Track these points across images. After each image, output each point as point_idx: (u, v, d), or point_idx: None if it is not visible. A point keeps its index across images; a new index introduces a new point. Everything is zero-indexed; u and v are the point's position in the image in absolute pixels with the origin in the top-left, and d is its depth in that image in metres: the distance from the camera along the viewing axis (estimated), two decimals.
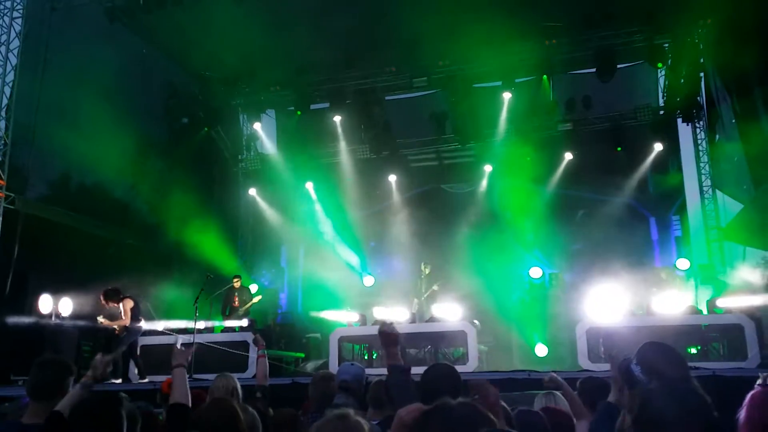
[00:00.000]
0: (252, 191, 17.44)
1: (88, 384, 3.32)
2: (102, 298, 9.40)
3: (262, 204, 17.23)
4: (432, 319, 10.41)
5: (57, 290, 10.74)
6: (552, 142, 15.39)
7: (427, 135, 16.75)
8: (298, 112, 16.69)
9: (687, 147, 15.79)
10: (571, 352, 9.72)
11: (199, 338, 9.73)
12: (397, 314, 10.70)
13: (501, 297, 12.92)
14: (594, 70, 14.39)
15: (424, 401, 2.43)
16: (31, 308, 10.59)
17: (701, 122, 15.40)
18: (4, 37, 11.87)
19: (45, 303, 10.60)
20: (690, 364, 7.30)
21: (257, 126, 17.32)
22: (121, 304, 9.41)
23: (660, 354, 2.99)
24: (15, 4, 12.06)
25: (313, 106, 16.62)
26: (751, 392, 3.13)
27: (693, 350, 9.17)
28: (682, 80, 14.57)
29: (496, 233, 14.20)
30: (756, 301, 8.97)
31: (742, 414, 2.95)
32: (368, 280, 15.18)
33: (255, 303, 12.63)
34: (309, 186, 16.78)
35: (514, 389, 6.79)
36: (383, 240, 16.02)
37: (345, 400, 3.92)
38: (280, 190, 16.93)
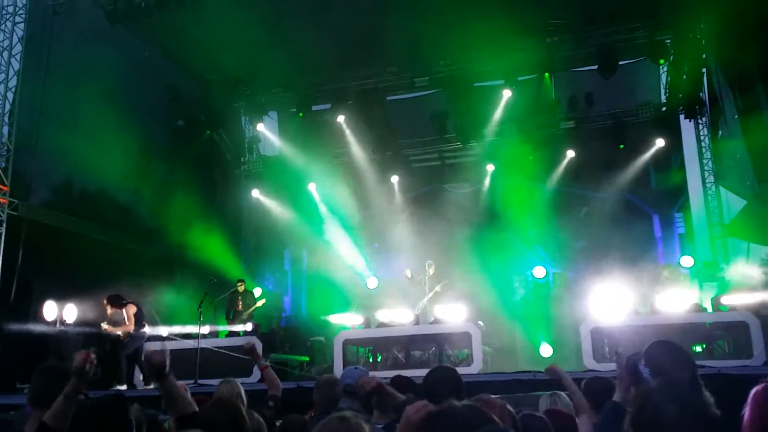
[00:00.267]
0: (254, 193, 17.44)
1: (71, 394, 3.03)
2: (105, 304, 9.41)
3: (265, 206, 17.22)
4: (436, 321, 10.39)
5: (61, 296, 10.75)
6: (554, 140, 15.37)
7: (428, 135, 16.75)
8: (300, 114, 16.68)
9: (690, 143, 15.77)
10: (576, 352, 9.70)
11: (204, 343, 9.73)
12: (399, 315, 10.68)
13: (505, 297, 12.90)
14: (596, 67, 14.37)
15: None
16: (36, 315, 10.60)
17: (704, 118, 15.35)
18: (6, 42, 11.89)
19: (49, 309, 10.61)
20: (695, 362, 7.30)
21: (259, 128, 17.33)
22: (124, 310, 9.42)
23: (668, 353, 2.99)
24: (17, 8, 12.08)
25: (314, 108, 16.64)
26: (754, 389, 3.12)
27: (698, 348, 9.14)
28: (684, 76, 14.52)
29: (499, 232, 14.19)
30: (761, 298, 8.93)
31: (746, 411, 2.95)
32: (372, 282, 15.17)
33: (259, 307, 12.63)
34: (311, 187, 16.78)
35: (519, 390, 6.78)
36: (386, 241, 16.01)
37: (350, 404, 3.92)
38: (283, 193, 16.93)
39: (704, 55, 14.01)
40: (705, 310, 9.62)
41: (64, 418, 2.95)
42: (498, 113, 15.31)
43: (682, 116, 15.50)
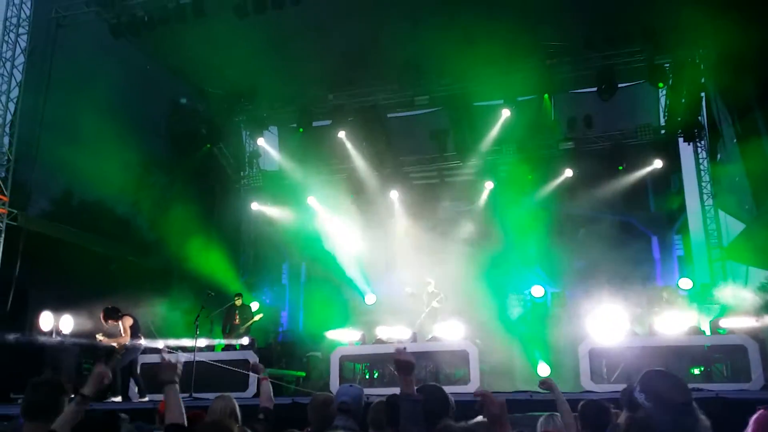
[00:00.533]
0: (254, 207, 17.45)
1: (84, 400, 3.18)
2: (102, 317, 9.38)
3: (264, 221, 17.23)
4: (433, 338, 10.35)
5: (58, 307, 10.71)
6: (553, 161, 15.44)
7: (428, 152, 16.83)
8: (300, 129, 16.74)
9: (688, 166, 15.82)
10: (573, 373, 9.65)
11: (200, 356, 9.68)
12: (397, 332, 10.64)
13: (503, 315, 12.86)
14: (595, 89, 14.47)
15: None
16: (32, 325, 10.56)
17: (702, 142, 15.42)
18: (9, 53, 11.95)
19: (46, 320, 10.57)
20: (693, 385, 7.27)
21: (260, 142, 17.39)
22: (120, 322, 9.38)
23: (664, 380, 2.99)
24: (21, 20, 12.17)
25: (315, 123, 16.70)
26: (755, 415, 3.11)
27: (696, 371, 9.09)
28: (683, 100, 14.62)
29: (498, 251, 14.18)
30: (759, 321, 8.91)
31: None
32: (370, 298, 15.14)
33: (256, 321, 12.59)
34: (311, 203, 16.80)
35: (516, 411, 6.72)
36: (385, 257, 16.00)
37: (345, 422, 3.89)
38: (282, 207, 16.95)
39: (703, 80, 14.11)
40: (703, 332, 9.59)
41: (71, 426, 3.03)
42: (495, 131, 15.38)
43: (681, 139, 15.56)
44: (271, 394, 4.81)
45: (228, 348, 11.44)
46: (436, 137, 16.16)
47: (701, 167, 15.58)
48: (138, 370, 9.69)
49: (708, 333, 9.51)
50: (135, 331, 9.52)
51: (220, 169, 17.41)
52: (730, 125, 12.61)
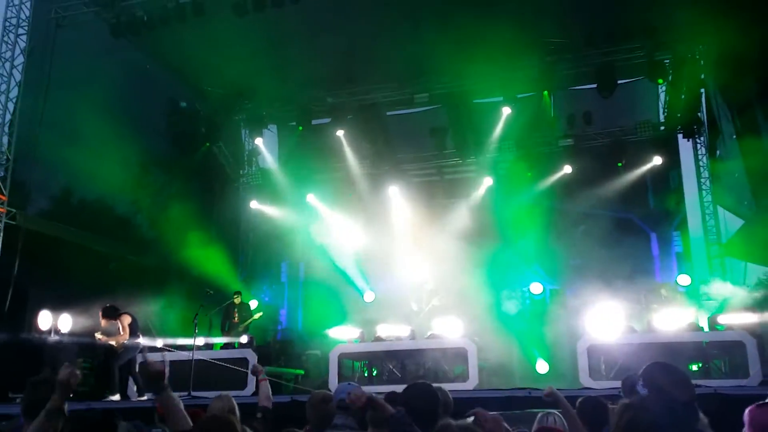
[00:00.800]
0: (253, 206, 17.47)
1: (53, 410, 3.02)
2: (100, 315, 9.39)
3: (263, 219, 17.24)
4: (432, 336, 10.37)
5: (57, 306, 10.72)
6: (553, 157, 15.45)
7: (428, 150, 16.82)
8: (300, 127, 16.77)
9: (688, 162, 15.83)
10: (572, 370, 9.66)
11: (199, 355, 9.69)
12: (398, 330, 10.65)
13: (501, 312, 12.87)
14: (594, 85, 14.46)
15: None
16: (31, 324, 10.57)
17: (702, 138, 15.42)
18: (8, 54, 11.95)
19: (44, 319, 10.58)
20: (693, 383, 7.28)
21: (259, 141, 17.39)
22: (118, 320, 9.39)
23: (666, 373, 2.99)
24: (20, 21, 12.17)
25: (314, 122, 16.71)
26: (749, 408, 3.12)
27: (694, 367, 9.11)
28: (683, 96, 14.61)
29: (497, 248, 14.19)
30: (757, 317, 8.94)
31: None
32: (369, 296, 15.16)
33: (255, 319, 12.60)
34: (310, 201, 16.81)
35: (515, 408, 6.75)
36: (384, 255, 16.01)
37: (344, 420, 3.89)
38: (281, 206, 16.96)
39: (702, 76, 14.10)
40: (702, 329, 9.61)
41: None
42: (498, 130, 15.39)
43: (680, 136, 15.56)
44: (270, 393, 4.82)
45: (227, 346, 11.45)
46: (435, 135, 16.15)
47: (700, 164, 15.58)
48: (137, 369, 9.70)
49: (706, 329, 9.53)
50: (134, 330, 9.53)
51: (219, 167, 17.41)
52: (730, 122, 12.60)
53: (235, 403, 4.43)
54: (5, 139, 11.70)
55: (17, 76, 11.95)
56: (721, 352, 9.02)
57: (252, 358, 9.74)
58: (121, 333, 9.36)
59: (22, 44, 12.11)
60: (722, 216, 14.86)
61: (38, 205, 12.54)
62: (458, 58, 13.69)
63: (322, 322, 13.08)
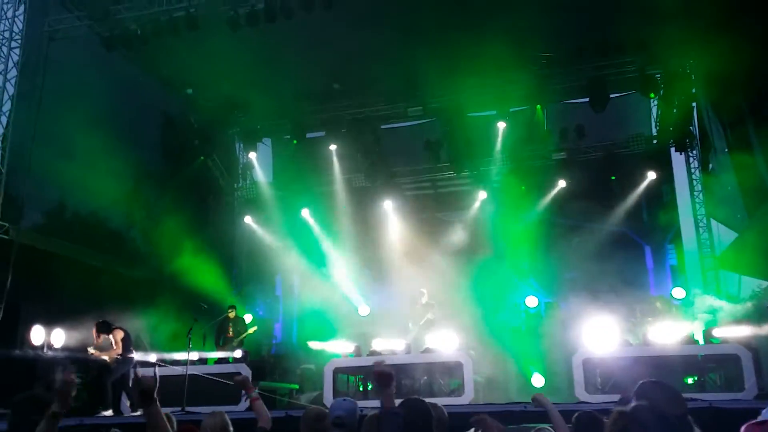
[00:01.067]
0: (247, 220, 17.43)
1: (54, 417, 3.02)
2: (94, 330, 9.32)
3: (258, 233, 17.20)
4: (427, 350, 10.32)
5: (49, 321, 10.61)
6: (546, 171, 15.52)
7: (422, 163, 16.87)
8: (294, 141, 16.78)
9: (681, 176, 15.93)
10: (567, 383, 9.63)
11: (192, 369, 9.61)
12: (393, 344, 10.61)
13: (497, 326, 12.85)
14: (587, 99, 14.55)
15: None
16: (23, 339, 10.47)
17: (694, 152, 15.51)
18: (1, 67, 11.95)
19: (37, 334, 10.48)
20: (687, 395, 7.26)
21: (253, 155, 17.38)
22: (111, 335, 9.32)
23: (659, 390, 2.99)
24: (13, 34, 12.18)
25: (308, 135, 16.74)
26: (746, 426, 3.11)
27: (690, 380, 9.09)
28: (675, 110, 14.72)
29: (491, 262, 14.20)
30: (752, 330, 8.94)
31: None
32: (364, 310, 15.11)
33: (250, 333, 12.53)
34: (304, 214, 16.79)
35: (510, 422, 6.70)
36: (379, 268, 15.99)
37: None
38: (276, 219, 16.92)
39: (694, 90, 14.20)
40: (697, 342, 9.60)
41: None
42: (494, 144, 15.45)
43: (672, 149, 15.65)
44: (268, 414, 4.75)
45: (221, 361, 11.36)
46: (429, 148, 16.20)
47: (693, 177, 15.67)
48: (130, 384, 9.61)
49: (701, 342, 9.53)
50: (127, 345, 9.46)
51: (213, 181, 17.38)
52: (722, 136, 12.67)
53: (228, 419, 4.39)
54: None
55: (10, 89, 11.94)
56: (717, 365, 9.01)
57: (246, 372, 9.66)
58: (114, 348, 9.29)
59: (15, 57, 12.11)
60: (716, 229, 14.94)
61: (31, 219, 12.45)
62: (452, 72, 13.78)
63: (316, 336, 13.03)
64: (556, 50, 14.06)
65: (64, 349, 10.55)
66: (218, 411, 4.47)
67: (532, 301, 13.88)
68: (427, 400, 4.03)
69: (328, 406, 4.45)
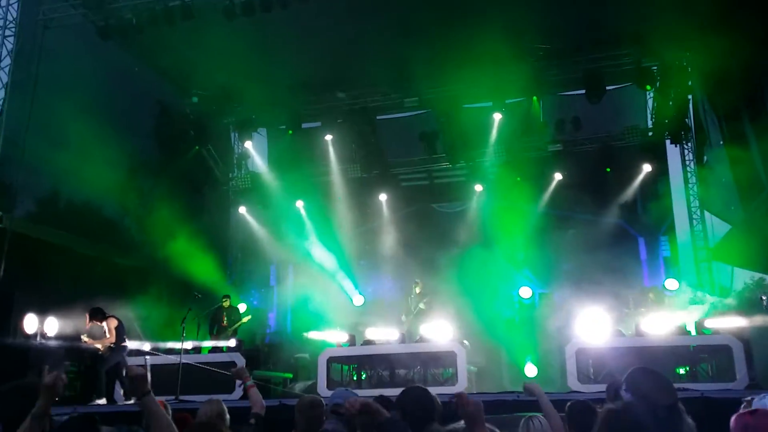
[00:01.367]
0: (242, 210, 17.40)
1: (39, 414, 2.94)
2: (87, 318, 9.31)
3: (252, 223, 17.19)
4: (421, 339, 10.36)
5: (43, 310, 10.60)
6: (542, 163, 15.51)
7: (417, 154, 16.85)
8: (290, 131, 16.74)
9: (676, 168, 15.97)
10: (560, 373, 9.69)
11: (186, 358, 9.62)
12: (387, 334, 10.64)
13: (490, 316, 12.89)
14: (583, 91, 14.54)
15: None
16: (16, 328, 10.45)
17: (689, 144, 15.54)
18: None
19: (30, 322, 10.46)
20: (679, 385, 7.32)
21: (248, 144, 17.34)
22: (105, 323, 9.32)
23: (649, 379, 3.00)
24: (7, 22, 12.09)
25: (304, 125, 16.70)
26: (737, 415, 3.13)
27: (681, 371, 9.15)
28: (671, 102, 14.72)
29: (486, 252, 14.22)
30: (744, 321, 8.99)
31: None
32: (358, 300, 15.14)
33: (244, 323, 12.54)
34: (299, 205, 16.77)
35: (503, 411, 6.73)
36: (373, 259, 16.01)
37: (334, 426, 3.88)
38: (271, 209, 16.91)
39: (690, 82, 14.20)
40: (689, 333, 9.66)
41: None
42: (493, 136, 15.44)
43: (668, 141, 15.67)
44: (262, 400, 4.77)
45: (215, 350, 11.38)
46: (425, 139, 16.18)
47: (688, 169, 15.71)
48: (124, 373, 9.62)
49: (693, 333, 9.58)
50: (120, 333, 9.46)
51: (208, 170, 17.33)
52: (717, 128, 12.69)
53: (225, 407, 4.40)
54: None
55: (4, 77, 11.87)
56: (709, 355, 9.07)
57: (240, 361, 9.68)
58: (108, 336, 9.29)
59: (9, 46, 12.04)
60: (709, 221, 14.99)
61: (25, 208, 12.40)
62: (448, 64, 13.75)
63: (311, 325, 13.06)
64: (552, 42, 14.04)
65: (57, 337, 10.55)
66: (215, 399, 4.48)
67: (526, 292, 13.94)
68: None
69: (322, 395, 4.46)
